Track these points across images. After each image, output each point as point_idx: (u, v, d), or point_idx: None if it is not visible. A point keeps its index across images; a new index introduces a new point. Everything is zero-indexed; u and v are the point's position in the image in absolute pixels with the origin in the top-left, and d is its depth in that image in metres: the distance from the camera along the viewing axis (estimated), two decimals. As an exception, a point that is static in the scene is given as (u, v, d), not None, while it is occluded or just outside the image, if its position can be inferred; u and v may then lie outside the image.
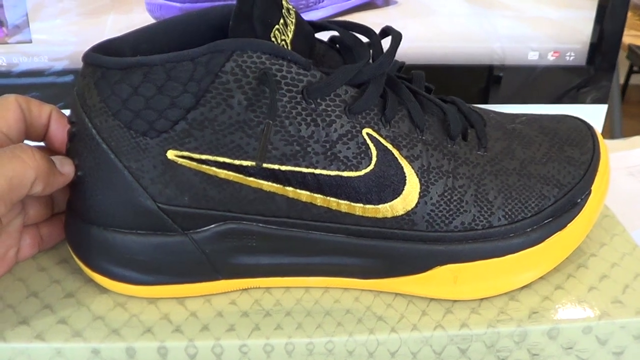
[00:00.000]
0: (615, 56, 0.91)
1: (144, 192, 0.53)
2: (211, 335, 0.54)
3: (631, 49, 1.51)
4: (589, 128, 0.64)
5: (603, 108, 0.94)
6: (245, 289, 0.58)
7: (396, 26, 0.57)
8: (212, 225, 0.54)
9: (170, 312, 0.55)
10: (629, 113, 2.34)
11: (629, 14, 1.61)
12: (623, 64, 2.11)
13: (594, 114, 0.94)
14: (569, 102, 0.92)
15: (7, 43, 0.87)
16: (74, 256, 0.57)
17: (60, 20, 0.87)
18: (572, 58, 0.90)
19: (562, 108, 0.92)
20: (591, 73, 0.91)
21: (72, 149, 0.54)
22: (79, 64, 0.53)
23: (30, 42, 0.88)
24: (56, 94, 0.88)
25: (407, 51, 0.88)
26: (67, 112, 0.55)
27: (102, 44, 0.54)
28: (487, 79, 0.91)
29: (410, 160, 0.54)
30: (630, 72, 2.53)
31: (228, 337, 0.54)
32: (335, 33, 0.58)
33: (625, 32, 0.93)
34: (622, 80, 2.53)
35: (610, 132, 1.78)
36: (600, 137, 0.63)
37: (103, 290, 0.57)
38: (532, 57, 0.90)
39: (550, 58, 0.90)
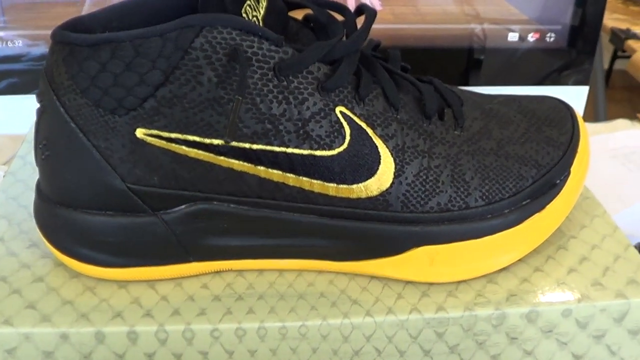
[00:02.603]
0: (597, 37, 0.90)
1: (113, 171, 0.52)
2: (182, 319, 0.53)
3: (614, 32, 1.50)
4: (568, 109, 0.63)
5: (584, 90, 0.93)
6: (218, 272, 0.57)
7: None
8: (183, 206, 0.53)
9: (140, 296, 0.54)
10: (613, 98, 2.34)
11: (614, -3, 1.61)
12: (607, 49, 2.11)
13: (575, 96, 0.93)
14: (550, 84, 0.92)
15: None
16: (43, 239, 0.56)
17: (36, 4, 0.86)
18: (552, 39, 0.90)
19: (543, 90, 0.92)
20: (572, 55, 0.91)
21: (40, 127, 0.53)
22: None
23: (5, 27, 0.86)
24: (34, 80, 0.87)
25: (385, 32, 0.87)
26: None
27: (72, 21, 0.52)
28: (467, 61, 0.90)
29: (385, 139, 0.53)
30: (615, 57, 2.53)
31: (199, 322, 0.53)
32: (309, 11, 0.57)
33: (609, 15, 0.92)
34: (606, 66, 2.53)
35: (595, 117, 1.78)
36: (580, 118, 0.62)
37: (73, 274, 0.56)
38: (512, 38, 0.89)
39: (531, 39, 0.90)
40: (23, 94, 0.88)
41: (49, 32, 0.51)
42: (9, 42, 0.87)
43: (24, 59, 0.88)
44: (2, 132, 0.89)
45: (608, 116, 1.85)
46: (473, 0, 0.88)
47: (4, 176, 0.69)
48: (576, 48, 0.90)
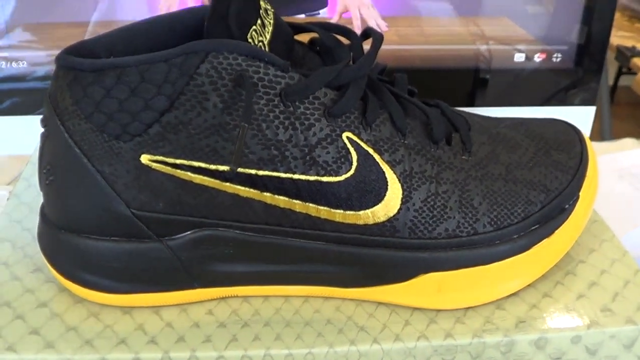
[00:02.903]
0: (603, 57, 0.90)
1: (118, 197, 0.51)
2: (187, 346, 0.52)
3: (620, 50, 1.50)
4: (577, 132, 0.63)
5: (591, 110, 0.93)
6: (223, 298, 0.56)
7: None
8: (188, 232, 0.53)
9: (145, 322, 0.54)
10: (618, 114, 2.33)
11: (618, 14, 1.61)
12: (612, 65, 2.11)
13: (582, 116, 0.93)
14: (556, 104, 0.91)
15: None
16: (47, 264, 0.56)
17: (41, 25, 0.86)
18: (559, 59, 0.89)
19: (549, 110, 0.91)
20: (579, 74, 0.90)
21: (44, 152, 0.53)
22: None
23: (9, 47, 0.86)
24: (37, 100, 0.87)
25: (390, 54, 0.86)
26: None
27: (76, 46, 0.52)
28: (473, 81, 0.90)
29: (392, 165, 0.53)
30: (620, 73, 2.53)
31: (204, 349, 0.52)
32: (315, 35, 0.57)
33: (614, 32, 0.92)
34: (611, 82, 2.52)
35: (600, 134, 1.77)
36: (588, 141, 0.62)
37: (77, 299, 0.56)
38: (519, 58, 0.89)
39: (537, 60, 0.89)
40: (26, 114, 0.88)
41: (53, 52, 0.51)
42: (13, 62, 0.87)
43: (28, 78, 0.87)
44: (6, 153, 0.89)
45: (613, 132, 1.84)
46: (479, 20, 0.87)
47: (7, 198, 0.69)
48: (583, 68, 0.90)
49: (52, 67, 0.85)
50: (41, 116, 0.53)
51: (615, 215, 0.69)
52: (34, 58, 0.87)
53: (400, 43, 0.87)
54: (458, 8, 0.87)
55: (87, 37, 0.82)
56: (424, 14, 0.87)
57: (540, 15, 0.88)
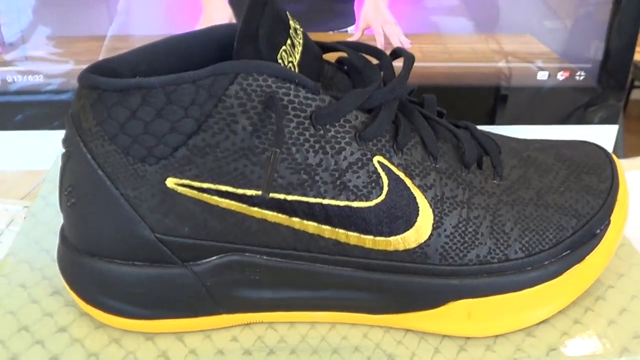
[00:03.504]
0: (626, 75, 0.89)
1: (142, 221, 0.50)
2: (211, 374, 0.51)
3: (636, 65, 1.49)
4: (607, 155, 0.62)
5: (614, 128, 0.92)
6: (248, 324, 0.55)
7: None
8: (214, 257, 0.52)
9: (168, 349, 0.53)
10: (630, 128, 2.33)
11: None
12: (624, 79, 2.10)
13: (604, 135, 0.92)
14: (578, 122, 0.90)
15: (2, 60, 0.85)
16: (67, 288, 0.55)
17: (56, 38, 0.85)
18: (582, 78, 0.88)
19: (571, 129, 0.90)
20: (601, 93, 0.89)
21: (65, 173, 0.52)
22: (75, 82, 0.50)
23: (26, 59, 0.85)
24: (52, 112, 0.86)
25: (414, 71, 0.85)
26: (62, 132, 0.53)
27: (99, 64, 0.51)
28: (494, 99, 0.89)
29: (423, 189, 0.52)
30: (632, 87, 2.52)
31: (229, 376, 0.51)
32: (343, 53, 0.56)
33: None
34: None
35: (613, 149, 1.76)
36: (618, 164, 0.61)
37: (98, 324, 0.55)
38: (542, 77, 0.88)
39: (560, 78, 0.88)
40: (40, 127, 0.87)
41: (69, 66, 0.50)
42: (29, 76, 0.86)
43: (42, 91, 0.87)
44: (20, 168, 0.88)
45: (625, 147, 1.83)
46: (502, 38, 0.86)
47: (24, 217, 0.68)
48: (605, 86, 0.89)
49: (67, 80, 0.84)
50: (55, 131, 0.52)
51: (637, 236, 0.68)
52: (50, 71, 0.86)
53: (424, 60, 0.86)
54: (480, 25, 0.86)
55: (103, 51, 0.82)
56: (445, 31, 0.86)
57: (564, 32, 0.87)
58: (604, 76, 0.89)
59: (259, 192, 0.48)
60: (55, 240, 0.56)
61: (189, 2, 0.85)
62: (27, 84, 0.86)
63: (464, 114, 0.60)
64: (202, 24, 0.84)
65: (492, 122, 0.90)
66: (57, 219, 0.55)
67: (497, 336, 0.55)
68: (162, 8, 0.85)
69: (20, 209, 0.78)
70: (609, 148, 0.92)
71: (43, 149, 0.83)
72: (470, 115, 0.60)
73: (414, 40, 0.86)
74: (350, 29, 0.86)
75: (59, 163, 0.53)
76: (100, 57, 0.51)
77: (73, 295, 0.54)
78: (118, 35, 0.85)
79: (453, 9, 0.85)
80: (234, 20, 0.79)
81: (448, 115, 0.59)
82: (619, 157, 0.64)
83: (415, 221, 0.51)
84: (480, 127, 0.61)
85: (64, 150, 0.52)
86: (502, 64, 0.87)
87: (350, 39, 0.85)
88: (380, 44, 0.85)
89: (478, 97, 0.89)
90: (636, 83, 2.36)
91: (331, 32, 0.86)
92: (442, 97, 0.61)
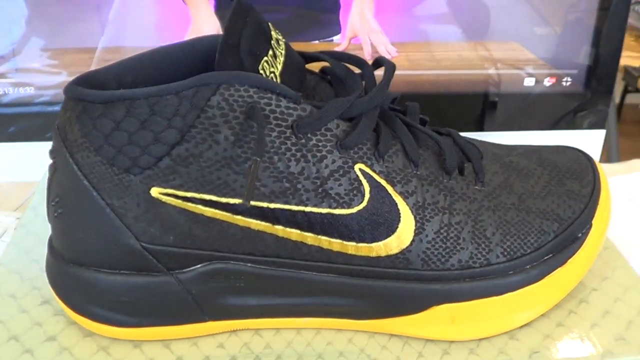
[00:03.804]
0: (613, 81, 0.89)
1: (128, 230, 0.51)
2: (198, 380, 0.52)
3: (627, 70, 1.50)
4: (589, 159, 0.62)
5: (601, 133, 0.92)
6: (234, 331, 0.56)
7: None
8: (199, 265, 0.52)
9: (155, 357, 0.54)
10: (625, 132, 2.33)
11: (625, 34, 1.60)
12: (618, 83, 2.11)
13: (591, 140, 0.92)
14: (566, 127, 0.91)
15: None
16: (56, 297, 0.55)
17: (47, 50, 0.86)
18: (569, 83, 0.89)
19: (559, 134, 0.91)
20: (588, 98, 0.90)
21: (53, 184, 0.53)
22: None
23: (17, 71, 0.86)
24: (44, 124, 0.87)
25: (401, 79, 0.86)
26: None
27: (85, 76, 0.52)
28: (482, 106, 0.89)
29: (405, 196, 0.52)
30: (626, 91, 2.53)
31: (216, 383, 0.52)
32: (326, 63, 0.56)
33: (621, 53, 0.91)
34: (617, 100, 2.52)
35: (607, 153, 1.77)
36: (600, 169, 0.61)
37: (86, 333, 0.55)
38: (529, 83, 0.88)
39: (547, 84, 0.89)
40: (32, 139, 0.88)
41: (60, 77, 0.51)
42: (20, 88, 0.86)
43: (34, 103, 0.87)
44: (13, 179, 0.88)
45: (620, 150, 1.84)
46: (489, 45, 0.87)
47: (15, 228, 0.68)
48: (592, 91, 0.89)
49: (59, 92, 0.85)
50: (47, 143, 0.53)
51: (626, 240, 0.68)
52: (41, 83, 0.86)
53: (411, 68, 0.86)
54: (467, 32, 0.87)
55: (94, 62, 0.83)
56: (433, 39, 0.87)
57: (549, 39, 0.88)
58: (590, 82, 0.89)
59: (241, 201, 0.49)
60: (45, 251, 0.57)
61: (178, 14, 0.85)
62: (20, 96, 0.87)
63: (453, 121, 0.61)
64: (190, 35, 0.85)
65: (481, 129, 0.90)
66: (47, 230, 0.56)
67: (480, 340, 0.55)
68: (153, 20, 0.86)
69: (13, 220, 0.78)
70: (597, 153, 0.92)
71: (36, 161, 0.83)
72: (459, 123, 0.60)
73: (402, 49, 0.86)
74: (335, 38, 0.86)
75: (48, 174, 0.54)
76: (91, 69, 0.51)
77: (61, 305, 0.55)
78: (109, 47, 0.86)
79: (439, 17, 0.86)
80: (222, 31, 0.80)
81: (437, 123, 0.60)
82: (613, 160, 0.65)
83: (397, 227, 0.52)
84: (468, 135, 0.62)
85: (51, 162, 0.53)
86: (488, 71, 0.88)
87: (337, 49, 0.85)
88: (367, 53, 0.85)
89: (466, 104, 0.89)
90: (630, 88, 2.36)
91: (316, 42, 0.86)
92: (431, 104, 0.62)
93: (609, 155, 1.81)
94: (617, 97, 2.49)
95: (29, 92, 0.87)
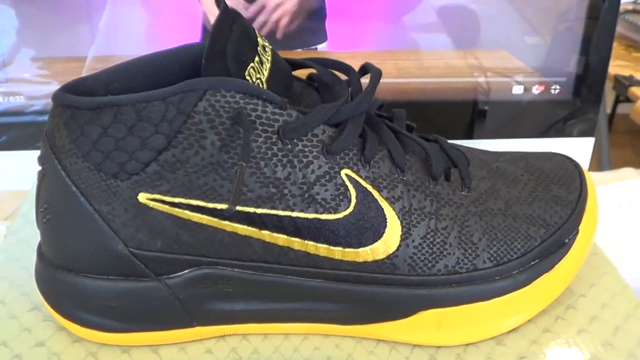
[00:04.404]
0: (602, 88, 0.90)
1: (115, 236, 0.51)
2: (186, 385, 0.52)
3: (617, 79, 1.50)
4: (576, 166, 0.63)
5: (590, 141, 0.92)
6: (222, 336, 0.56)
7: (376, 62, 0.56)
8: (186, 271, 0.52)
9: (143, 362, 0.54)
10: (616, 142, 2.34)
11: (615, 43, 1.61)
12: (609, 93, 2.11)
13: (581, 147, 0.93)
14: (555, 135, 0.91)
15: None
16: (45, 303, 0.55)
17: (38, 60, 0.86)
18: (557, 91, 0.89)
19: (548, 142, 0.91)
20: (577, 106, 0.90)
21: (41, 191, 0.53)
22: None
23: (8, 81, 0.86)
24: (35, 133, 0.87)
25: (389, 87, 0.86)
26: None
27: (73, 83, 0.52)
28: (471, 114, 0.89)
29: (391, 201, 0.52)
30: (617, 101, 2.53)
31: (203, 388, 0.52)
32: (313, 70, 0.57)
33: (611, 62, 0.92)
34: (608, 110, 2.53)
35: (598, 163, 1.77)
36: (587, 175, 0.62)
37: (75, 338, 0.55)
38: (517, 91, 0.89)
39: (536, 92, 0.89)
40: (24, 148, 0.88)
41: (51, 87, 0.51)
42: (10, 97, 0.86)
43: (25, 112, 0.87)
44: (3, 188, 0.89)
45: (611, 161, 1.84)
46: (477, 53, 0.87)
47: (5, 235, 0.68)
48: (581, 99, 0.89)
49: (49, 102, 0.85)
50: (38, 152, 0.53)
51: (615, 247, 0.69)
52: (32, 92, 0.86)
53: (399, 76, 0.86)
54: (456, 41, 0.87)
55: (84, 71, 0.83)
56: (422, 48, 0.87)
57: (538, 47, 0.88)
58: (579, 90, 0.89)
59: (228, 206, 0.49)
60: (34, 258, 0.57)
61: (168, 24, 0.86)
62: (10, 105, 0.87)
63: (443, 129, 0.61)
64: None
65: (470, 136, 0.90)
66: (36, 237, 0.56)
67: (467, 345, 0.55)
68: (143, 29, 0.86)
69: (4, 229, 0.78)
70: (586, 160, 0.92)
71: (27, 170, 0.83)
72: (448, 130, 0.61)
73: (390, 57, 0.87)
74: (320, 46, 0.86)
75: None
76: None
77: (50, 310, 0.55)
78: (99, 56, 0.86)
79: (429, 26, 0.86)
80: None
81: (426, 131, 0.60)
82: (604, 169, 0.65)
83: (384, 232, 0.52)
84: (458, 142, 0.62)
85: (39, 168, 0.53)
86: (478, 79, 0.88)
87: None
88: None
89: (456, 112, 0.89)
90: (621, 98, 2.37)
91: (300, 50, 0.86)
92: (421, 112, 0.62)
93: (600, 164, 1.82)
94: (608, 107, 2.50)
95: (19, 102, 0.87)
